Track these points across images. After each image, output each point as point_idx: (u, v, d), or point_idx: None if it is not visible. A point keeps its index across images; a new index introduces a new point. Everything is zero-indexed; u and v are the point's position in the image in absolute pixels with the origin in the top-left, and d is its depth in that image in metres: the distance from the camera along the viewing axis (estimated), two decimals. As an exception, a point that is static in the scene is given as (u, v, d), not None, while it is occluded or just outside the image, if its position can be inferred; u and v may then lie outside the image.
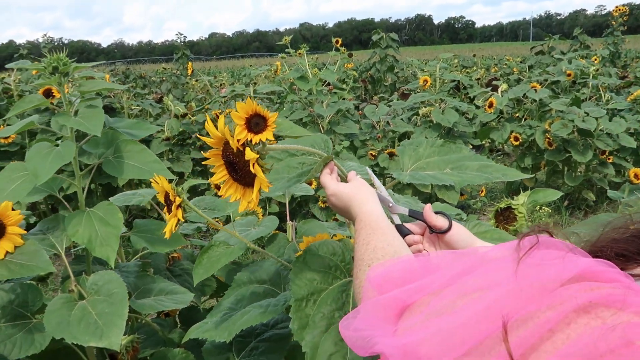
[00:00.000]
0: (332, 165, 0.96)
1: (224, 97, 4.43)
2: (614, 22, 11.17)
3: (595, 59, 7.83)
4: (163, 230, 1.29)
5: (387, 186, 0.99)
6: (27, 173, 1.12)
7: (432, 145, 1.05)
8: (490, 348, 0.42)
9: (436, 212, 0.89)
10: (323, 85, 4.48)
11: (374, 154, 4.29)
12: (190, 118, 4.24)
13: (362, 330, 0.56)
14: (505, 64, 13.75)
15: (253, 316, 1.00)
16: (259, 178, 0.82)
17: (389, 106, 4.63)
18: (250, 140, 0.83)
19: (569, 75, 5.28)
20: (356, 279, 0.74)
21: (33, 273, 0.99)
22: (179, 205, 1.01)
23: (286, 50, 4.62)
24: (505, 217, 1.44)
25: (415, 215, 0.91)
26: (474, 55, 17.48)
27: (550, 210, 4.47)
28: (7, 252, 1.02)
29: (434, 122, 4.27)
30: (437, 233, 0.88)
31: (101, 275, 1.08)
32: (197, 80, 8.25)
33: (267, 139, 0.84)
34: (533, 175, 4.96)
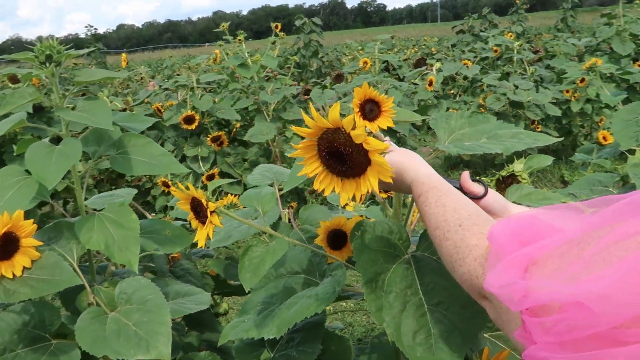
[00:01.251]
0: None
1: (166, 89, 4.22)
2: (517, 1, 11.89)
3: (511, 36, 8.30)
4: (168, 230, 1.21)
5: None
6: (24, 178, 0.99)
7: (461, 117, 1.05)
8: None
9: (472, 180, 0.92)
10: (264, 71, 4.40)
11: (293, 155, 4.29)
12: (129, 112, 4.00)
13: (508, 286, 0.55)
14: (424, 45, 14.23)
15: (305, 306, 0.95)
16: (381, 167, 0.77)
17: (322, 90, 4.63)
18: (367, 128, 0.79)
19: (496, 51, 5.56)
20: (446, 240, 0.72)
21: (59, 288, 0.88)
22: (213, 211, 0.94)
23: (224, 37, 4.48)
24: (507, 185, 1.49)
25: (452, 184, 0.91)
26: (392, 37, 17.95)
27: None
28: (24, 268, 0.90)
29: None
30: (474, 199, 0.90)
31: (129, 282, 0.98)
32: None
33: (379, 127, 0.81)
34: (560, 139, 5.21)
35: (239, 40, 4.31)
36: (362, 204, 2.02)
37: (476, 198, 0.90)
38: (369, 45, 5.10)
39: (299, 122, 4.37)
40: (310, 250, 1.16)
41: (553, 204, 0.79)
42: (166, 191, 3.44)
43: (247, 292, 1.01)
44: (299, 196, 3.86)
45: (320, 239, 1.27)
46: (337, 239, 1.28)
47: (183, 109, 3.72)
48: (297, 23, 10.07)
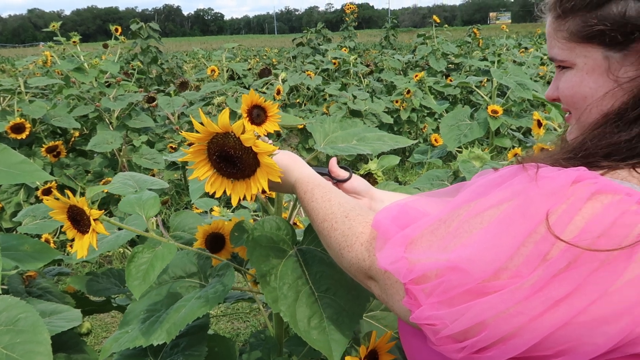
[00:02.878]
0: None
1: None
2: (347, 19, 12.84)
3: (346, 50, 8.97)
4: (27, 245, 1.12)
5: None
6: None
7: (334, 121, 1.16)
8: (534, 240, 0.54)
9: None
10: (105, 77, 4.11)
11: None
12: None
13: (395, 262, 0.65)
14: (265, 55, 14.57)
15: (196, 307, 0.96)
16: (270, 168, 0.81)
17: (170, 97, 4.51)
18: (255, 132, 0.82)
19: (335, 63, 5.97)
20: (334, 230, 0.79)
21: None
22: (97, 219, 0.90)
23: (55, 38, 4.08)
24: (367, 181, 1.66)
25: (321, 172, 1.02)
26: (233, 48, 18.00)
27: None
28: None
29: (231, 110, 4.36)
30: (340, 182, 1.02)
31: (-8, 304, 0.87)
32: None
33: (266, 131, 0.84)
34: (415, 141, 5.51)
35: (74, 42, 3.97)
36: (228, 209, 2.04)
37: (343, 181, 1.03)
38: (215, 53, 5.09)
39: (147, 130, 4.19)
40: (193, 253, 1.16)
41: (418, 194, 0.94)
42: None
43: (137, 298, 0.97)
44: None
45: (199, 243, 1.28)
46: (215, 242, 1.30)
47: (10, 117, 3.30)
48: (133, 27, 9.51)
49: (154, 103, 4.53)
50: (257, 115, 0.90)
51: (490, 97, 2.49)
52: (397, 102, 5.52)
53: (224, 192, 0.87)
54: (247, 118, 0.89)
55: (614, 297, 0.52)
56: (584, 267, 0.52)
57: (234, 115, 3.68)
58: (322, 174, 1.00)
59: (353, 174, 1.05)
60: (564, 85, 0.71)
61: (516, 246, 0.55)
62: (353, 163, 5.26)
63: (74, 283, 1.50)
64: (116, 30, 4.42)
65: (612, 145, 0.61)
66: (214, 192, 0.87)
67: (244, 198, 0.87)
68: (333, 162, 1.04)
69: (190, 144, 0.86)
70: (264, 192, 1.20)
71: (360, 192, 1.04)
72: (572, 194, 0.55)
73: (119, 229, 1.39)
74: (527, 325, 0.54)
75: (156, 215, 1.64)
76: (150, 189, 1.36)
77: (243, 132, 0.81)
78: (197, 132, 0.83)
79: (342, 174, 1.03)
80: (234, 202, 0.85)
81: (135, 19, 9.36)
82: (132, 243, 2.77)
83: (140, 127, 4.01)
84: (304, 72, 5.74)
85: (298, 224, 1.57)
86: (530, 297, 0.54)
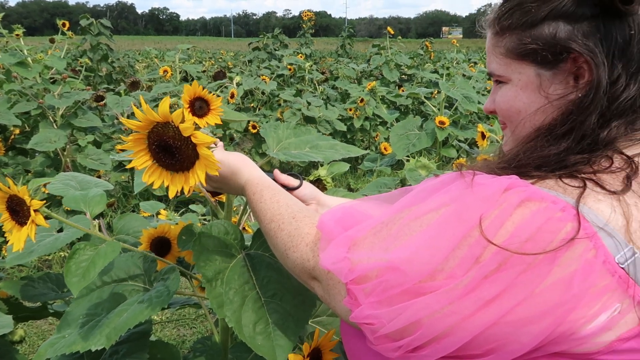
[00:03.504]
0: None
1: None
2: (304, 26, 12.90)
3: (302, 57, 9.01)
4: None
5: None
6: None
7: (287, 127, 1.17)
8: (468, 243, 0.57)
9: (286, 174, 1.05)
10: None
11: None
12: None
13: (338, 263, 0.66)
14: (221, 58, 14.41)
15: (139, 311, 0.93)
16: (208, 160, 0.79)
17: (119, 96, 4.38)
18: (196, 124, 0.80)
19: (290, 69, 5.99)
20: (281, 231, 0.80)
21: None
22: (37, 210, 0.87)
23: (-5, 30, 3.89)
24: (316, 187, 1.67)
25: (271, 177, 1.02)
26: (188, 49, 17.71)
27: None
28: None
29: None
30: (291, 190, 1.02)
31: None
32: None
33: (207, 123, 0.82)
34: (366, 151, 5.52)
35: (17, 35, 3.79)
36: (176, 212, 2.00)
37: (294, 189, 1.03)
38: (169, 54, 4.99)
39: (94, 130, 4.04)
40: (138, 256, 1.13)
41: (363, 197, 0.96)
42: None
43: (75, 297, 0.94)
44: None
45: (144, 247, 1.25)
46: (161, 246, 1.27)
47: (-59, 111, 3.11)
48: (83, 23, 9.17)
49: (103, 102, 4.38)
50: (200, 107, 0.88)
51: (439, 109, 2.57)
52: (350, 110, 5.60)
53: (176, 193, 0.85)
54: (189, 109, 0.87)
55: (539, 298, 0.55)
56: (512, 270, 0.55)
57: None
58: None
59: (303, 182, 1.06)
60: (500, 99, 0.75)
61: (451, 248, 0.58)
62: (306, 169, 5.29)
63: (7, 288, 1.43)
64: (63, 25, 4.25)
65: (542, 157, 0.65)
66: (159, 188, 0.85)
67: (182, 192, 0.85)
68: (277, 172, 1.04)
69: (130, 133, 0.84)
70: (214, 195, 1.19)
71: (308, 199, 1.05)
72: (504, 201, 0.58)
73: (60, 230, 1.34)
74: (460, 325, 0.57)
75: (100, 218, 1.60)
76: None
77: (182, 122, 0.80)
78: (137, 120, 0.81)
79: (291, 181, 1.03)
80: (171, 194, 0.84)
81: (85, 14, 9.03)
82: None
83: (87, 126, 3.87)
84: (259, 76, 5.73)
85: (247, 228, 1.56)
86: (463, 297, 0.56)
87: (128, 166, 0.85)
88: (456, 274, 0.57)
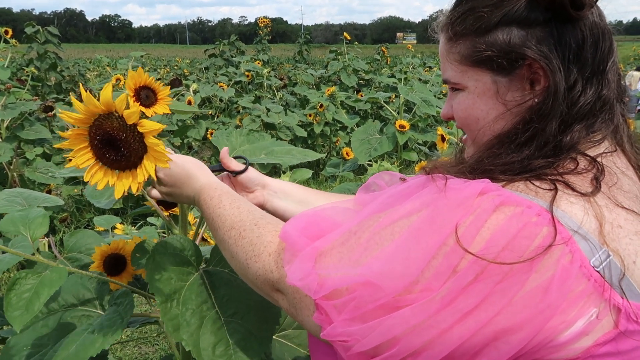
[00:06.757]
0: None
1: None
2: (261, 32, 12.82)
3: (259, 63, 8.95)
4: None
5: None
6: None
7: (240, 134, 1.12)
8: (444, 252, 0.54)
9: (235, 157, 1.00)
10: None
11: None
12: None
13: (305, 278, 0.62)
14: (176, 65, 14.16)
15: (89, 342, 0.86)
16: (157, 151, 0.73)
17: (70, 107, 4.22)
18: (143, 114, 0.74)
19: (248, 76, 5.92)
20: (242, 238, 0.75)
21: None
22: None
23: None
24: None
25: (215, 169, 0.97)
26: (142, 57, 17.31)
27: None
28: None
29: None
30: (237, 174, 0.97)
31: None
32: None
33: (155, 112, 0.76)
34: (324, 155, 5.44)
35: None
36: (134, 226, 1.91)
37: (239, 172, 0.97)
38: (121, 62, 4.84)
39: (43, 142, 3.85)
40: (87, 278, 1.05)
41: (328, 203, 0.91)
42: None
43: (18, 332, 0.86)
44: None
45: (96, 265, 1.17)
46: (115, 263, 1.20)
47: None
48: (28, 31, 8.79)
49: (52, 113, 4.19)
50: (146, 96, 0.82)
51: (398, 113, 2.58)
52: (310, 115, 5.57)
53: (123, 193, 0.79)
54: (134, 98, 0.81)
55: (517, 306, 0.53)
56: (489, 280, 0.53)
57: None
58: (214, 171, 0.95)
59: (249, 166, 0.99)
60: (458, 107, 0.73)
61: (427, 259, 0.55)
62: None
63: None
64: (6, 32, 4.04)
65: (506, 164, 0.63)
66: (114, 200, 0.79)
67: (130, 190, 0.79)
68: (225, 152, 0.99)
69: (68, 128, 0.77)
70: (167, 208, 1.13)
71: (255, 183, 0.99)
72: (478, 206, 0.56)
73: (2, 252, 1.25)
74: (438, 339, 0.54)
75: (49, 235, 1.50)
76: (41, 207, 1.22)
77: (127, 109, 0.74)
78: (77, 112, 0.75)
79: (238, 166, 0.98)
80: (117, 195, 0.77)
81: (31, 22, 8.67)
82: (23, 268, 2.52)
83: (35, 138, 3.69)
84: (217, 83, 5.63)
85: (208, 239, 1.50)
86: (441, 310, 0.54)
87: (66, 166, 0.78)
88: (433, 285, 0.54)
